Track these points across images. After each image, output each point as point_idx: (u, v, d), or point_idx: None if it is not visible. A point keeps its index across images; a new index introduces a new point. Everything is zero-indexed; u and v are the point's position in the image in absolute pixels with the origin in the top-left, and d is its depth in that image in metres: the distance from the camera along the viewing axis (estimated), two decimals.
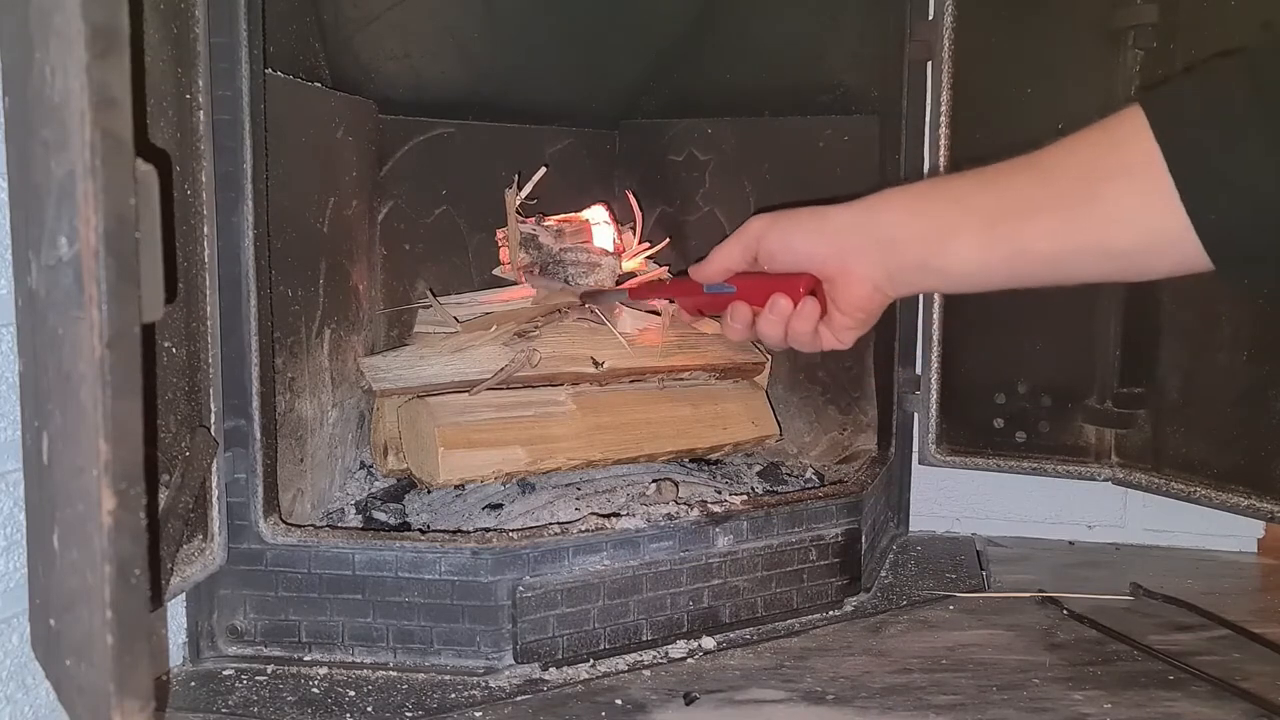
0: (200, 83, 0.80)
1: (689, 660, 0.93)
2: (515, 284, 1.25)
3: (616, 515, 0.96)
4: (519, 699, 0.85)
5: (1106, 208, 0.56)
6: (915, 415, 1.28)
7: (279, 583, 0.89)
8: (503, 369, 1.10)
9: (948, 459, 1.26)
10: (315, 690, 0.85)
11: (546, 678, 0.89)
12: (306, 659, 0.89)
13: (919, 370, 1.27)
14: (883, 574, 1.16)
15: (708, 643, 0.96)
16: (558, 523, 0.97)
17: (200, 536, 0.84)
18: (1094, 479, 1.22)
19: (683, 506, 0.97)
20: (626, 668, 0.91)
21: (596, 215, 1.29)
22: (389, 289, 1.26)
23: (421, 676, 0.88)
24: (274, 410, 0.90)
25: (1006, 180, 0.62)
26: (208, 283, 0.82)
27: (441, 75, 1.24)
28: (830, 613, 1.04)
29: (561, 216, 1.31)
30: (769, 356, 1.31)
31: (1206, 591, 1.11)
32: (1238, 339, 1.09)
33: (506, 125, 1.34)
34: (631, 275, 1.29)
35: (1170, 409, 1.15)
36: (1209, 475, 1.11)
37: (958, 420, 1.25)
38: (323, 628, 0.89)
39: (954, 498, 1.33)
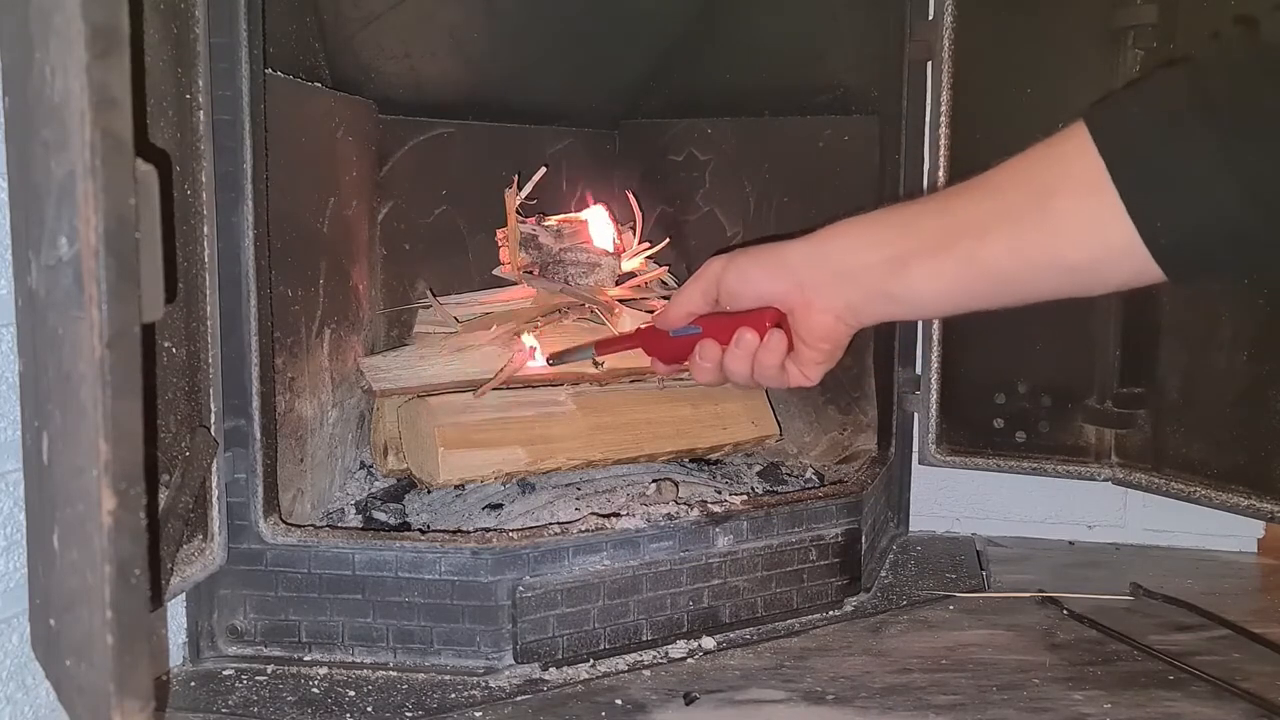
0: (200, 83, 0.80)
1: (689, 660, 0.93)
2: (515, 284, 1.25)
3: (616, 515, 0.96)
4: (519, 699, 0.85)
5: (1056, 223, 0.57)
6: (915, 415, 1.28)
7: (279, 583, 0.89)
8: (503, 369, 1.10)
9: (948, 459, 1.26)
10: (315, 690, 0.85)
11: (546, 678, 0.89)
12: (306, 659, 0.89)
13: (919, 370, 1.27)
14: (883, 574, 1.16)
15: (708, 643, 0.96)
16: (558, 523, 0.97)
17: (200, 536, 0.84)
18: (1094, 479, 1.22)
19: (683, 506, 0.97)
20: (626, 668, 0.91)
21: (596, 215, 1.29)
22: (389, 289, 1.26)
23: (421, 676, 0.88)
24: (274, 410, 0.90)
25: (958, 202, 0.62)
26: (208, 283, 0.81)
27: (441, 75, 1.24)
28: (830, 613, 1.04)
29: (561, 216, 1.31)
30: None
31: (1206, 591, 1.11)
32: (1238, 339, 1.09)
33: (506, 125, 1.34)
34: (631, 275, 1.29)
35: (1170, 409, 1.15)
36: (1209, 475, 1.11)
37: (958, 420, 1.25)
38: (323, 628, 0.89)
39: (954, 498, 1.33)
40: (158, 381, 0.76)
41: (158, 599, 0.75)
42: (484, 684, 0.87)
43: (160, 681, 0.85)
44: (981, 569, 1.18)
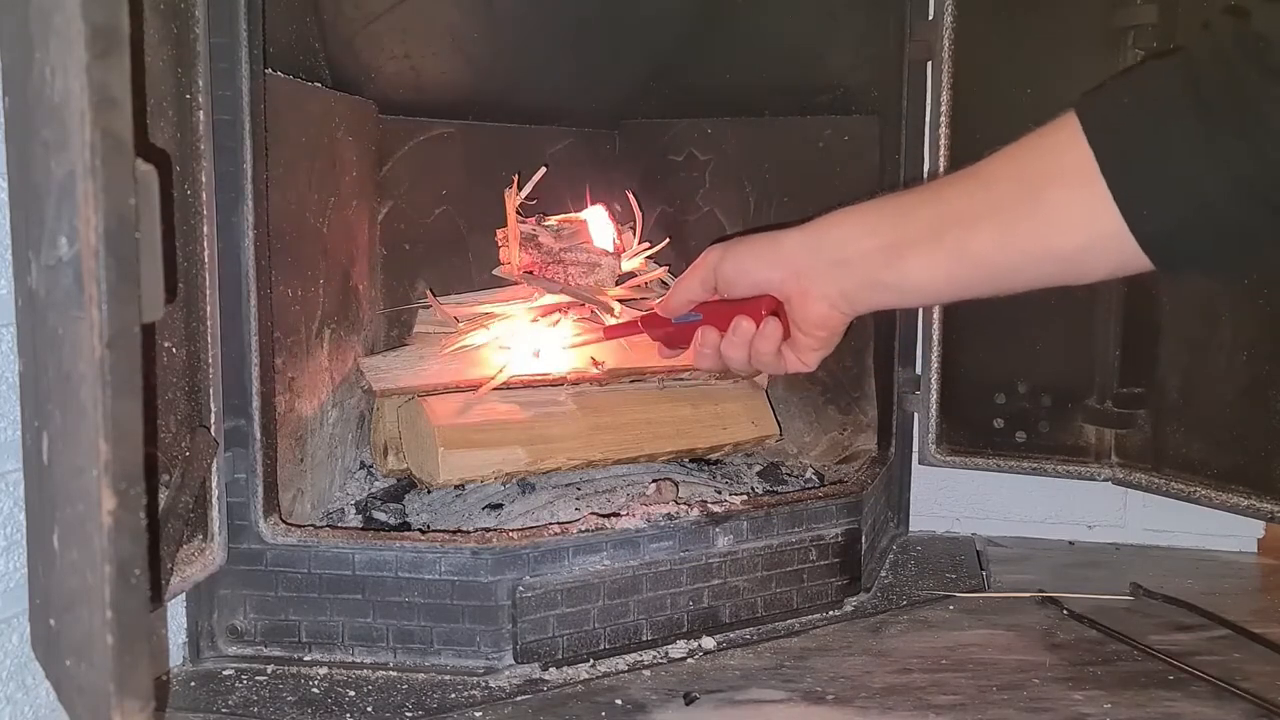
0: (200, 83, 0.80)
1: (689, 660, 0.93)
2: (515, 284, 1.25)
3: (616, 515, 0.96)
4: (519, 699, 0.85)
5: (1046, 212, 0.57)
6: (915, 415, 1.28)
7: (279, 583, 0.89)
8: (503, 369, 1.10)
9: (948, 459, 1.26)
10: (315, 690, 0.85)
11: (546, 678, 0.89)
12: (306, 659, 0.89)
13: (919, 370, 1.27)
14: (883, 574, 1.16)
15: (708, 643, 0.96)
16: (558, 523, 0.97)
17: (200, 536, 0.84)
18: (1094, 479, 1.22)
19: (683, 506, 0.97)
20: (626, 668, 0.91)
21: (596, 215, 1.29)
22: (389, 289, 1.26)
23: (421, 676, 0.88)
24: (274, 410, 0.90)
25: (950, 192, 0.63)
26: (208, 283, 0.81)
27: (441, 75, 1.24)
28: (830, 613, 1.04)
29: (561, 216, 1.31)
30: None
31: (1206, 591, 1.11)
32: (1238, 339, 1.09)
33: (506, 125, 1.34)
34: (631, 275, 1.29)
35: (1170, 409, 1.15)
36: (1209, 475, 1.11)
37: (958, 420, 1.25)
38: (323, 628, 0.89)
39: (954, 498, 1.33)
40: (158, 381, 0.76)
41: (158, 599, 0.75)
42: (484, 684, 0.87)
43: (160, 681, 0.85)
44: (981, 569, 1.18)
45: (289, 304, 0.97)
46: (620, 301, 1.22)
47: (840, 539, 1.04)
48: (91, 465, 0.48)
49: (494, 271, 1.28)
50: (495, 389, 1.10)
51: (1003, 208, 0.59)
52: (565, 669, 0.90)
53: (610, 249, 1.27)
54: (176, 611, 0.89)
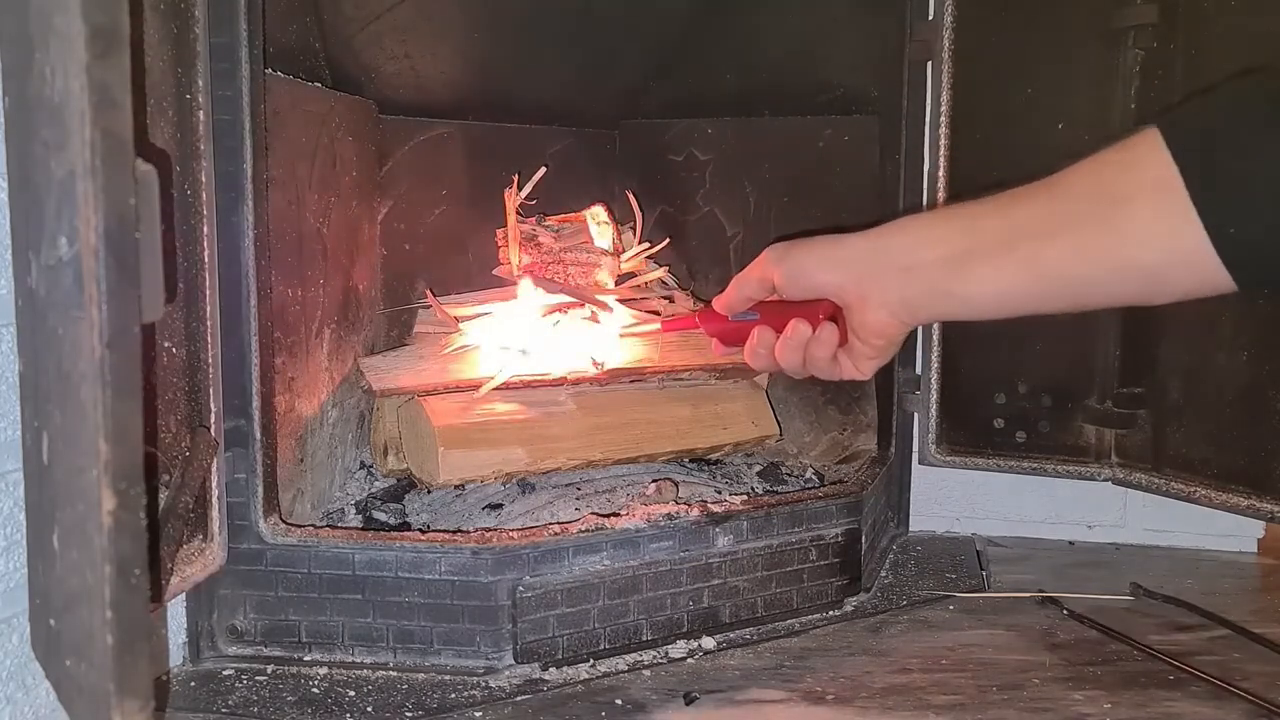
0: (200, 83, 0.80)
1: (689, 660, 0.93)
2: (515, 284, 1.25)
3: (616, 515, 0.96)
4: (519, 699, 0.85)
5: (1125, 227, 0.56)
6: (915, 415, 1.28)
7: (279, 583, 0.89)
8: (503, 369, 1.10)
9: (948, 459, 1.26)
10: (315, 690, 0.85)
11: (546, 678, 0.89)
12: (306, 659, 0.89)
13: (919, 370, 1.27)
14: (883, 574, 1.16)
15: (708, 643, 0.96)
16: (558, 523, 0.97)
17: (200, 536, 0.84)
18: (1094, 479, 1.22)
19: (683, 506, 0.97)
20: (626, 668, 0.91)
21: (596, 215, 1.29)
22: (389, 289, 1.26)
23: (421, 676, 0.88)
24: (274, 410, 0.90)
25: (1023, 203, 0.62)
26: (208, 283, 0.81)
27: (441, 75, 1.24)
28: (830, 613, 1.04)
29: (561, 216, 1.31)
30: None
31: (1206, 591, 1.11)
32: (1238, 339, 1.08)
33: (506, 125, 1.34)
34: (631, 275, 1.29)
35: (1170, 409, 1.15)
36: (1209, 475, 1.11)
37: (958, 420, 1.25)
38: (323, 628, 0.89)
39: (954, 498, 1.33)
40: (158, 381, 0.76)
41: (158, 599, 0.75)
42: (484, 684, 0.87)
43: (160, 681, 0.85)
44: (981, 569, 1.18)
45: (289, 304, 0.97)
46: (620, 301, 1.22)
47: (840, 539, 1.04)
48: (91, 465, 0.47)
49: (494, 271, 1.28)
50: (495, 389, 1.10)
51: (1079, 221, 0.58)
52: (565, 669, 0.90)
53: (610, 249, 1.27)
54: (176, 611, 0.89)
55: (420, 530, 1.04)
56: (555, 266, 1.23)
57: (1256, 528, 1.25)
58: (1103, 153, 0.59)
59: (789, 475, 1.26)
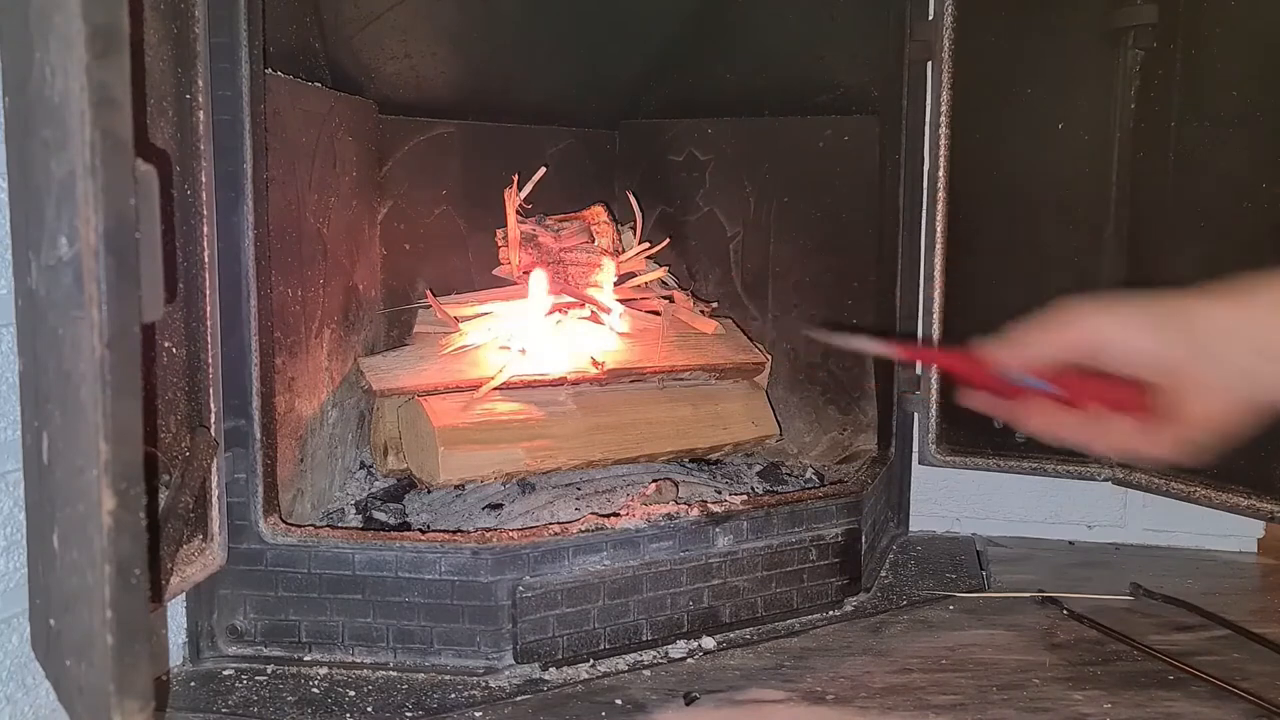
0: (200, 83, 0.80)
1: (689, 660, 0.93)
2: (515, 284, 1.25)
3: (616, 515, 0.96)
4: (519, 699, 0.85)
5: None
6: (915, 415, 1.28)
7: (279, 583, 0.89)
8: (503, 369, 1.10)
9: (948, 459, 1.26)
10: (315, 690, 0.85)
11: (546, 678, 0.89)
12: (306, 659, 0.89)
13: (919, 370, 1.27)
14: (883, 574, 1.16)
15: (708, 643, 0.96)
16: (558, 523, 0.97)
17: (200, 536, 0.84)
18: (1094, 479, 1.22)
19: (683, 506, 0.97)
20: (626, 668, 0.91)
21: (596, 215, 1.29)
22: (389, 289, 1.26)
23: (421, 676, 0.88)
24: (274, 410, 0.90)
25: None
26: (208, 283, 0.81)
27: (441, 75, 1.24)
28: (830, 613, 1.04)
29: (561, 216, 1.31)
30: (769, 356, 1.31)
31: (1206, 591, 1.11)
32: None
33: (506, 125, 1.34)
34: (631, 275, 1.29)
35: None
36: (1209, 475, 1.11)
37: (957, 420, 1.25)
38: (323, 628, 0.89)
39: (954, 497, 1.33)
40: (158, 381, 0.76)
41: (158, 599, 0.75)
42: (484, 684, 0.87)
43: (160, 681, 0.85)
44: (981, 569, 1.18)
45: (289, 304, 0.97)
46: (620, 301, 1.22)
47: (840, 539, 1.04)
48: (91, 465, 0.48)
49: (494, 271, 1.28)
50: (495, 389, 1.09)
51: None
52: (565, 669, 0.90)
53: (610, 249, 1.27)
54: (176, 611, 0.89)
55: (420, 530, 1.04)
56: (555, 266, 1.23)
57: (1256, 528, 1.25)
58: None
59: (789, 475, 1.26)
